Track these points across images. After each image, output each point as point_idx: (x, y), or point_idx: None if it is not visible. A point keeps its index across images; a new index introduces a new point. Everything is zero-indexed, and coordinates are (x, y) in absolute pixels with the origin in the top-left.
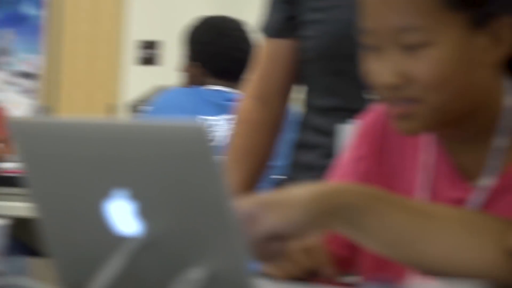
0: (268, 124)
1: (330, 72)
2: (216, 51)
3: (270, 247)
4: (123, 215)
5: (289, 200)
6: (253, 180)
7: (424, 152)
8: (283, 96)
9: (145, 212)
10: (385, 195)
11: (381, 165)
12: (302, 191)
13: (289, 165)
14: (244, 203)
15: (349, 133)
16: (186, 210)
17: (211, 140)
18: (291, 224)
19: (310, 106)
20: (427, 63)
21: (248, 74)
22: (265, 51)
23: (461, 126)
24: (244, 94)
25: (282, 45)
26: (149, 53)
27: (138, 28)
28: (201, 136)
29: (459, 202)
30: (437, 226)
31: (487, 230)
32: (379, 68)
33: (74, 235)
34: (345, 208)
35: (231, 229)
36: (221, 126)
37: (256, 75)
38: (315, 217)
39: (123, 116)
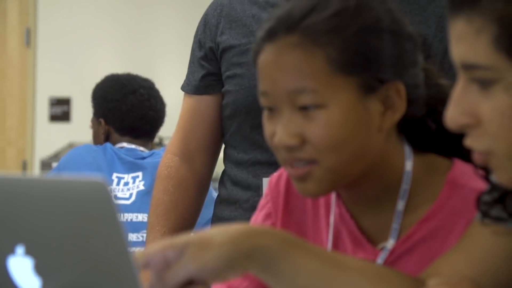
0: (189, 181)
1: (249, 125)
2: (120, 108)
3: None
4: (24, 271)
5: (205, 243)
6: (176, 235)
7: (330, 214)
8: (206, 153)
9: (42, 268)
10: (298, 241)
11: (288, 224)
12: (219, 233)
13: (210, 220)
14: (159, 247)
15: None
16: (86, 266)
17: (114, 196)
18: (207, 269)
19: (230, 161)
20: (320, 126)
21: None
22: (185, 108)
23: (361, 189)
24: (166, 151)
25: (202, 101)
26: (61, 110)
27: (50, 84)
28: (103, 191)
29: None
30: (347, 276)
31: (397, 285)
32: (276, 129)
33: None
34: (259, 251)
35: (132, 284)
36: (127, 184)
37: (177, 132)
38: (230, 261)
39: (35, 173)
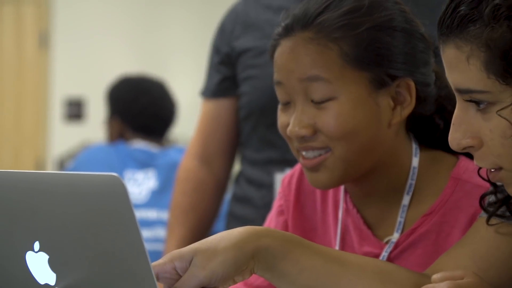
0: (208, 183)
1: (263, 125)
2: (133, 108)
3: None
4: (41, 266)
5: (211, 251)
6: (193, 237)
7: (339, 209)
8: (224, 155)
9: (56, 263)
10: (301, 240)
11: (299, 219)
12: (223, 239)
13: (226, 217)
14: (167, 259)
15: None
16: (101, 261)
17: (128, 192)
18: (216, 276)
19: (245, 161)
20: (331, 116)
21: (167, 129)
22: (204, 112)
23: (369, 185)
24: (186, 154)
25: (219, 105)
26: (75, 109)
27: (64, 85)
28: (118, 186)
29: (368, 256)
30: (351, 274)
31: (400, 281)
32: (290, 120)
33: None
34: (262, 252)
35: (147, 279)
36: (140, 181)
37: (196, 136)
38: (237, 264)
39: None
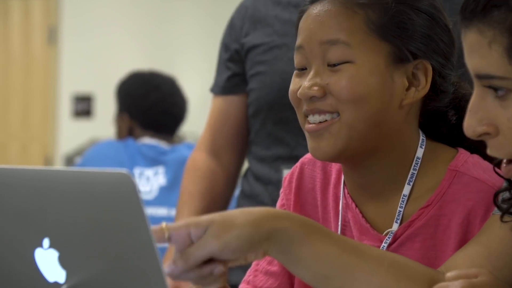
0: (218, 173)
1: (271, 121)
2: (143, 104)
3: (207, 270)
4: (50, 263)
5: (227, 223)
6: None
7: (339, 204)
8: (233, 150)
9: (66, 260)
10: (319, 226)
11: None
12: (242, 214)
13: None
14: (183, 223)
15: None
16: (111, 258)
17: (139, 189)
18: (228, 248)
19: (253, 158)
20: (345, 77)
21: (178, 126)
22: (214, 107)
23: (370, 170)
24: (195, 149)
25: (228, 101)
26: (84, 106)
27: (72, 81)
28: (128, 183)
29: None
30: (367, 264)
31: (415, 277)
32: (302, 83)
33: (8, 283)
34: (279, 234)
35: (156, 276)
36: (149, 178)
37: (205, 131)
38: (251, 241)
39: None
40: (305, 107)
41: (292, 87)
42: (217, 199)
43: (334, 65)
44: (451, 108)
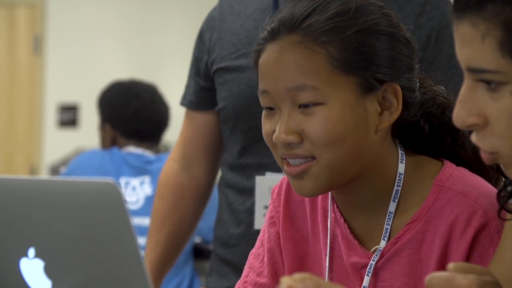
0: (187, 187)
1: (240, 130)
2: (124, 113)
3: None
4: (36, 273)
5: None
6: (170, 243)
7: (328, 219)
8: (205, 160)
9: (52, 270)
10: None
11: (290, 230)
12: None
13: (215, 222)
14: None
15: (267, 185)
16: (97, 267)
17: (125, 199)
18: None
19: (224, 164)
20: (319, 121)
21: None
22: (185, 119)
23: (355, 193)
24: (168, 159)
25: (199, 115)
26: (69, 115)
27: (58, 91)
28: (114, 193)
29: (355, 266)
30: None
31: None
32: (275, 127)
33: None
34: None
35: (142, 286)
36: (135, 188)
37: (178, 140)
38: None
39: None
40: (282, 151)
41: (265, 129)
42: (186, 214)
43: (306, 105)
44: (420, 116)
